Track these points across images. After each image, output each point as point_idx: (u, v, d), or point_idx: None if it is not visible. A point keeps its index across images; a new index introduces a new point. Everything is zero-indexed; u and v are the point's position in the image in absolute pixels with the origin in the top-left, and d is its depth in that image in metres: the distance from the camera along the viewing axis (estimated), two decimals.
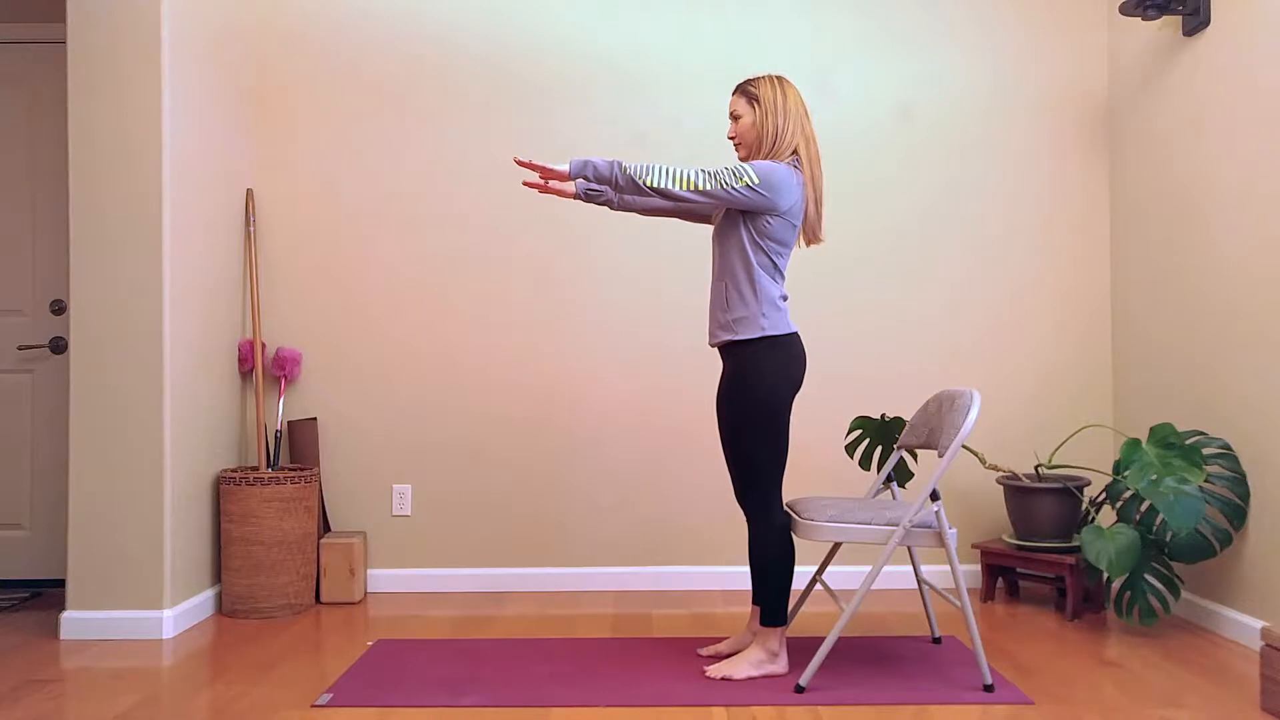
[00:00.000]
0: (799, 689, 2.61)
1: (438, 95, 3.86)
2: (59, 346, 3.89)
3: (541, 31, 3.86)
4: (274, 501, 3.43)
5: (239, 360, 3.74)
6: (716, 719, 2.43)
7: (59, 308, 3.90)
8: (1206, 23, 3.26)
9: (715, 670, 2.72)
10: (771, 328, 2.68)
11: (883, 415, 3.47)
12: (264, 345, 3.79)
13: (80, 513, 3.19)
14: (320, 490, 3.73)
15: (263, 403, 3.67)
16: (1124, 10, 3.38)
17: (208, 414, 3.50)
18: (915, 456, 3.55)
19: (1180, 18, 3.39)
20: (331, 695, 2.59)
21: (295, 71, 3.85)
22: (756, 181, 2.60)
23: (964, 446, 3.77)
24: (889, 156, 3.87)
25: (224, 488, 3.44)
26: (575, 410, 3.84)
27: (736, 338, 2.69)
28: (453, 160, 3.85)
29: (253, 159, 3.85)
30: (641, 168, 2.61)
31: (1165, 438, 3.11)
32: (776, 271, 2.71)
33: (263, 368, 3.76)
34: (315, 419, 3.78)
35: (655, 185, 2.60)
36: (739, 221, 2.70)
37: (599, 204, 2.84)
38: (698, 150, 3.85)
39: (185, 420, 3.33)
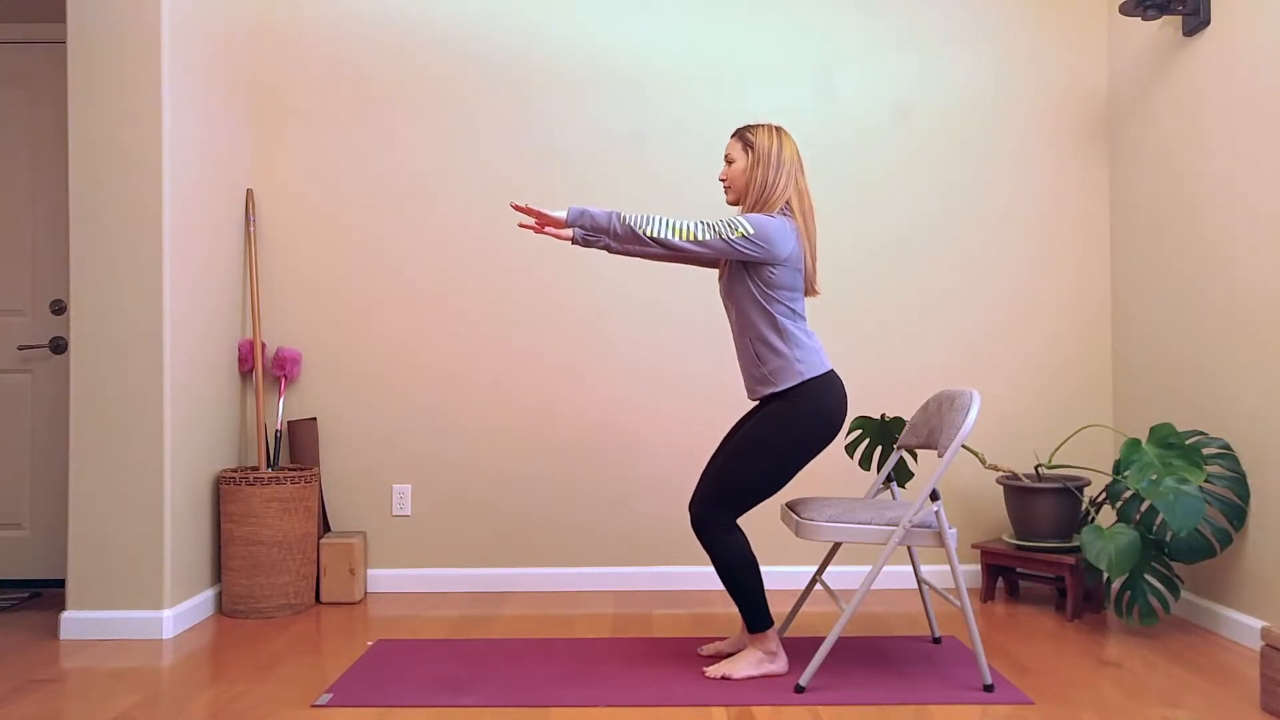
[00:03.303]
0: (799, 689, 2.61)
1: (438, 96, 3.86)
2: (59, 346, 3.89)
3: (542, 32, 3.86)
4: (274, 501, 3.43)
5: (239, 360, 3.74)
6: (716, 719, 2.43)
7: (59, 308, 3.90)
8: (1206, 23, 3.26)
9: (715, 670, 2.73)
10: (809, 370, 2.69)
11: (883, 415, 3.47)
12: (264, 345, 3.79)
13: (80, 513, 3.19)
14: (320, 490, 3.73)
15: (263, 403, 3.67)
16: (1124, 10, 3.38)
17: (208, 414, 3.50)
18: (915, 456, 3.55)
19: (1180, 18, 3.39)
20: (331, 695, 2.60)
21: (295, 71, 3.85)
22: (752, 232, 2.61)
23: (964, 446, 3.77)
24: (889, 156, 3.87)
25: (224, 488, 3.45)
26: (575, 410, 3.84)
27: (777, 389, 2.69)
28: (453, 160, 3.86)
29: (253, 159, 3.85)
30: (640, 218, 2.64)
31: (1165, 438, 3.12)
32: (796, 315, 2.72)
33: (263, 368, 3.76)
34: (315, 419, 3.79)
35: (654, 235, 2.63)
36: (744, 278, 2.71)
37: (597, 248, 2.81)
38: (698, 151, 3.84)
39: (185, 420, 3.33)
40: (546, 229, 2.70)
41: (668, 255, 2.69)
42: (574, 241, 2.68)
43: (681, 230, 2.63)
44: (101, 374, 3.20)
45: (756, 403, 2.87)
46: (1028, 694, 2.60)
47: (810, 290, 2.79)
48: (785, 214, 2.72)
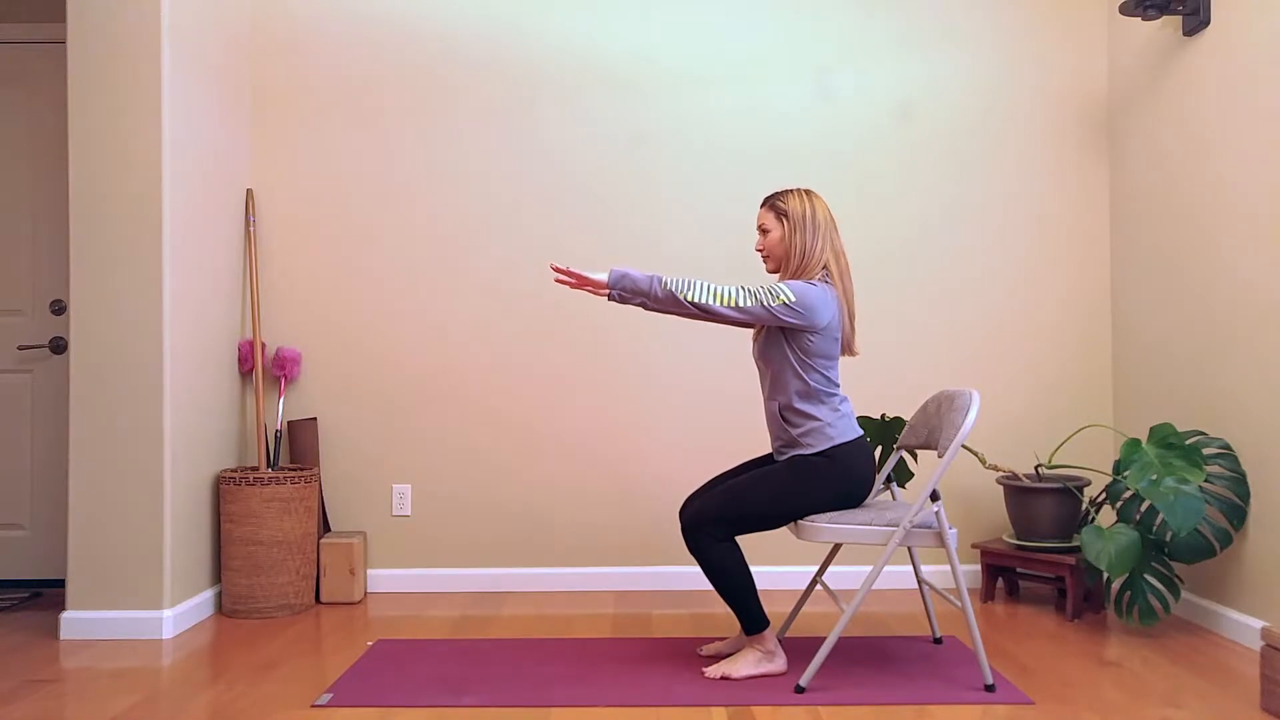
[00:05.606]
0: (799, 689, 2.61)
1: (437, 96, 3.86)
2: (59, 346, 3.89)
3: (540, 33, 3.86)
4: (274, 501, 3.43)
5: (239, 360, 3.74)
6: (716, 719, 2.43)
7: (59, 308, 3.90)
8: (1206, 23, 3.26)
9: (714, 670, 2.73)
10: (839, 435, 2.69)
11: (883, 415, 3.47)
12: (264, 345, 3.79)
13: (80, 513, 3.19)
14: (320, 490, 3.73)
15: (263, 403, 3.67)
16: (1124, 10, 3.38)
17: (208, 414, 3.50)
18: (915, 456, 3.56)
19: (1180, 18, 3.39)
20: (331, 695, 2.60)
21: (295, 72, 3.85)
22: (793, 299, 2.62)
23: (964, 446, 3.77)
24: (889, 157, 3.87)
25: (224, 488, 3.45)
26: (576, 409, 3.84)
27: (806, 452, 2.70)
28: (453, 161, 3.85)
29: (253, 159, 3.85)
30: (682, 283, 2.63)
31: (1165, 438, 3.12)
32: (830, 383, 2.72)
33: (263, 368, 3.76)
34: (315, 419, 3.78)
35: (695, 300, 2.63)
36: (782, 343, 2.71)
37: (633, 305, 2.74)
38: (698, 152, 3.84)
39: (185, 420, 3.33)
40: (585, 288, 2.70)
41: (705, 318, 2.70)
42: (609, 299, 2.68)
43: (722, 296, 2.63)
44: (101, 374, 3.20)
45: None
46: (1028, 694, 2.60)
47: (848, 350, 2.79)
48: (825, 278, 2.73)
